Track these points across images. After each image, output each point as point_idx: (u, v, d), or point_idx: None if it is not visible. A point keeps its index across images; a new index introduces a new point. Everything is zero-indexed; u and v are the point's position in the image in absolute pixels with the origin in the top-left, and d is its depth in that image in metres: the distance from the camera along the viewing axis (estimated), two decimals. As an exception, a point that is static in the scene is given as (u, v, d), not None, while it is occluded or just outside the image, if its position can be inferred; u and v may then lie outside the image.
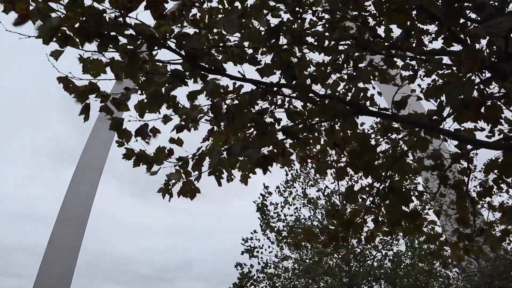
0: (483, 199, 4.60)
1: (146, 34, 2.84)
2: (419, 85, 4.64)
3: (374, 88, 4.44)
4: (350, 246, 13.44)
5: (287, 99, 4.02)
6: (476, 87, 3.35)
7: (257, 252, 13.56)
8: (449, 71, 4.12)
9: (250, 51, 3.48)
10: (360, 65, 4.16)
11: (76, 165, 21.24)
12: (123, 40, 2.85)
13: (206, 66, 3.17)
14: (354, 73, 4.12)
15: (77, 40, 2.71)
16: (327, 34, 3.92)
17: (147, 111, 3.30)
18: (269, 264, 13.64)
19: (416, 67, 4.34)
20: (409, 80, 4.38)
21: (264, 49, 3.51)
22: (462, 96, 2.75)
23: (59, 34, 2.69)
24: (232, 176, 3.99)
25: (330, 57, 4.12)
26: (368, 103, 4.22)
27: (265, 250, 13.77)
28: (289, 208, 14.59)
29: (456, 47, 3.95)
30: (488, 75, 3.57)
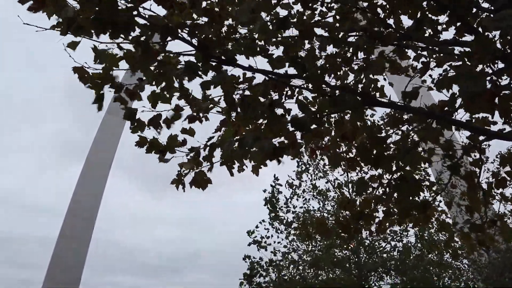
0: (495, 190, 4.58)
1: (159, 24, 2.86)
2: (430, 76, 4.60)
3: (385, 79, 4.41)
4: (359, 238, 13.43)
5: (297, 90, 4.02)
6: (488, 78, 3.32)
7: (265, 242, 13.52)
8: (461, 62, 4.09)
9: (261, 43, 3.48)
10: (370, 57, 4.14)
11: (85, 158, 21.43)
12: (136, 31, 2.87)
13: (218, 56, 3.18)
14: (365, 64, 4.10)
15: (92, 30, 2.74)
16: (337, 25, 3.91)
17: (159, 101, 3.32)
18: (277, 255, 13.66)
19: (427, 58, 4.30)
20: (420, 73, 4.35)
21: (274, 39, 3.51)
22: (474, 88, 2.73)
23: (74, 25, 2.72)
24: (244, 167, 4.02)
25: (339, 49, 4.11)
26: (378, 94, 4.21)
27: (274, 242, 13.79)
28: (297, 199, 14.62)
29: (468, 37, 3.92)
30: (501, 65, 3.53)
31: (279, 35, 3.41)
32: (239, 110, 3.35)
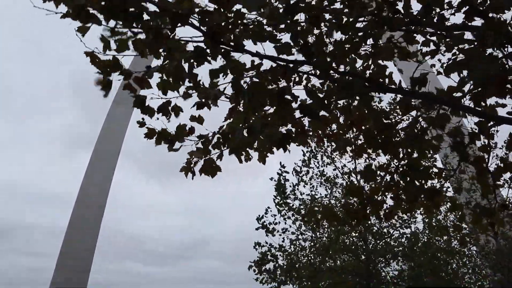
0: (503, 174, 4.56)
1: (169, 10, 2.86)
2: (439, 60, 4.56)
3: (395, 65, 4.38)
4: (367, 224, 13.46)
5: (304, 76, 4.00)
6: (499, 62, 3.29)
7: (273, 229, 13.57)
8: (471, 46, 4.04)
9: (268, 29, 3.47)
10: (378, 43, 4.10)
11: (93, 148, 21.56)
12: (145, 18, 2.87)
13: (227, 43, 3.18)
14: (373, 50, 4.07)
15: (102, 16, 2.76)
16: (345, 10, 3.87)
17: (169, 89, 3.34)
18: (286, 241, 13.72)
19: (436, 42, 4.26)
20: (430, 55, 4.29)
21: (282, 26, 3.49)
22: (489, 70, 2.71)
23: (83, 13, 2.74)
24: (250, 156, 4.02)
25: (347, 35, 4.07)
26: (386, 80, 4.18)
27: (281, 229, 13.83)
28: (304, 186, 14.65)
29: (478, 22, 3.87)
30: (511, 49, 3.49)
31: (288, 21, 3.39)
32: (247, 97, 3.35)
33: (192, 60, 3.22)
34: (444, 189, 5.86)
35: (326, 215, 4.47)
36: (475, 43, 3.83)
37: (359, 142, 4.35)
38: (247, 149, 3.89)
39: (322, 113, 3.74)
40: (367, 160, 11.38)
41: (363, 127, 4.09)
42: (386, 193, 4.36)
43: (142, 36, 3.01)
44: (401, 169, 4.19)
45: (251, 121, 3.69)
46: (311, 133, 4.05)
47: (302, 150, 15.03)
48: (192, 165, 3.93)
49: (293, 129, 3.79)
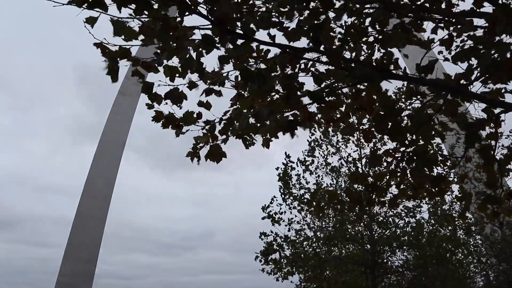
0: (510, 163, 4.54)
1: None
2: (446, 48, 4.52)
3: (400, 51, 4.35)
4: (372, 214, 13.49)
5: (310, 63, 3.99)
6: (510, 47, 3.27)
7: (279, 218, 13.60)
8: (480, 33, 4.01)
9: (276, 15, 3.47)
10: (386, 29, 4.08)
11: (99, 139, 21.65)
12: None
13: (235, 31, 3.18)
14: (380, 36, 4.05)
15: (107, 5, 2.77)
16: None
17: (177, 75, 3.35)
18: (291, 231, 13.77)
19: (450, 32, 4.22)
20: (444, 44, 4.25)
21: (295, 12, 3.48)
22: (500, 55, 2.70)
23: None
24: (254, 141, 4.03)
25: (355, 20, 4.05)
26: (392, 67, 4.16)
27: (287, 219, 13.86)
28: (310, 175, 14.68)
29: (487, 8, 3.83)
30: None
31: (297, 5, 3.38)
32: (256, 83, 3.35)
33: (200, 49, 3.23)
34: (451, 178, 5.84)
35: (330, 200, 4.48)
36: (485, 29, 3.80)
37: (366, 127, 4.35)
38: (252, 134, 3.90)
39: (331, 98, 3.74)
40: (373, 148, 11.38)
41: (370, 112, 4.08)
42: (391, 180, 4.36)
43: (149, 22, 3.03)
44: (407, 156, 4.18)
45: (257, 107, 3.70)
46: (318, 117, 4.04)
47: (308, 140, 15.08)
48: (198, 150, 3.95)
49: (300, 115, 3.79)
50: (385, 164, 4.35)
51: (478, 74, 3.82)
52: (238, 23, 3.23)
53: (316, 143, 14.98)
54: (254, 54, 3.65)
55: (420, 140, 4.14)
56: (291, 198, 14.06)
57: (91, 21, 2.97)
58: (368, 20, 3.99)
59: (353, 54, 3.88)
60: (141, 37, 3.09)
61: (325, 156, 14.90)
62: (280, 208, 13.87)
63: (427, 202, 13.59)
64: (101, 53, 3.18)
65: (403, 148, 4.19)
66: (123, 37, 3.03)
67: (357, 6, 3.88)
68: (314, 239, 13.69)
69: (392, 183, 4.44)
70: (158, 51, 3.32)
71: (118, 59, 3.23)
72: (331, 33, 3.82)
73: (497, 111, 4.25)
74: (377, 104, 4.02)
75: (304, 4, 3.40)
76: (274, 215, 13.59)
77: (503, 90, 4.04)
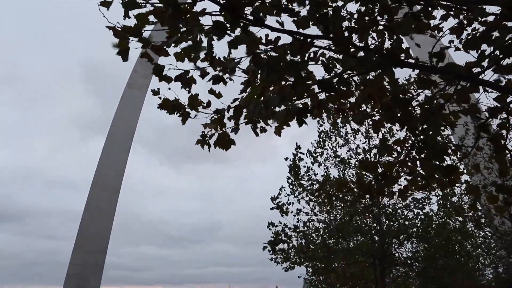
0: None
1: None
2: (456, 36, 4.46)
3: (412, 39, 4.30)
4: (381, 206, 13.45)
5: (320, 52, 3.97)
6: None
7: (287, 209, 13.57)
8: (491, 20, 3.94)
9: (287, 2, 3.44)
10: (396, 17, 4.03)
11: (107, 132, 21.76)
12: None
13: (246, 17, 3.17)
14: (389, 25, 4.01)
15: None
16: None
17: (186, 59, 3.36)
18: (300, 222, 13.76)
19: (461, 20, 4.16)
20: (455, 33, 4.20)
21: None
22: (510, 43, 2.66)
23: None
24: (268, 127, 4.03)
25: (365, 8, 4.01)
26: (403, 55, 4.12)
27: (296, 210, 13.85)
28: (319, 167, 14.68)
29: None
30: None
31: None
32: (265, 70, 3.34)
33: (211, 34, 3.23)
34: (461, 168, 5.79)
35: (340, 188, 4.47)
36: (497, 16, 3.75)
37: (376, 116, 4.32)
38: (264, 121, 3.90)
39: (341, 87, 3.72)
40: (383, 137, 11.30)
41: (381, 101, 4.05)
42: (401, 170, 4.33)
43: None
44: (417, 145, 4.15)
45: (267, 95, 3.69)
46: (328, 106, 4.02)
47: (318, 131, 15.04)
48: (207, 138, 3.96)
49: (310, 104, 3.78)
50: (395, 154, 4.32)
51: (490, 62, 3.77)
52: (249, 9, 3.22)
53: (326, 135, 14.94)
54: (263, 41, 3.64)
55: (430, 131, 4.11)
56: (300, 189, 14.04)
57: (106, 4, 3.02)
58: (377, 10, 3.95)
59: (363, 42, 3.85)
60: (152, 20, 3.11)
61: (334, 148, 14.87)
62: (288, 199, 13.86)
63: (437, 194, 13.51)
64: (113, 34, 3.20)
65: (414, 138, 4.16)
66: (134, 13, 3.05)
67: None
68: (323, 230, 13.68)
69: (402, 174, 4.42)
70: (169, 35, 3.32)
71: (130, 37, 3.24)
72: (341, 21, 3.80)
73: (509, 99, 4.20)
74: (387, 93, 3.99)
75: None
76: (282, 206, 13.56)
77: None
